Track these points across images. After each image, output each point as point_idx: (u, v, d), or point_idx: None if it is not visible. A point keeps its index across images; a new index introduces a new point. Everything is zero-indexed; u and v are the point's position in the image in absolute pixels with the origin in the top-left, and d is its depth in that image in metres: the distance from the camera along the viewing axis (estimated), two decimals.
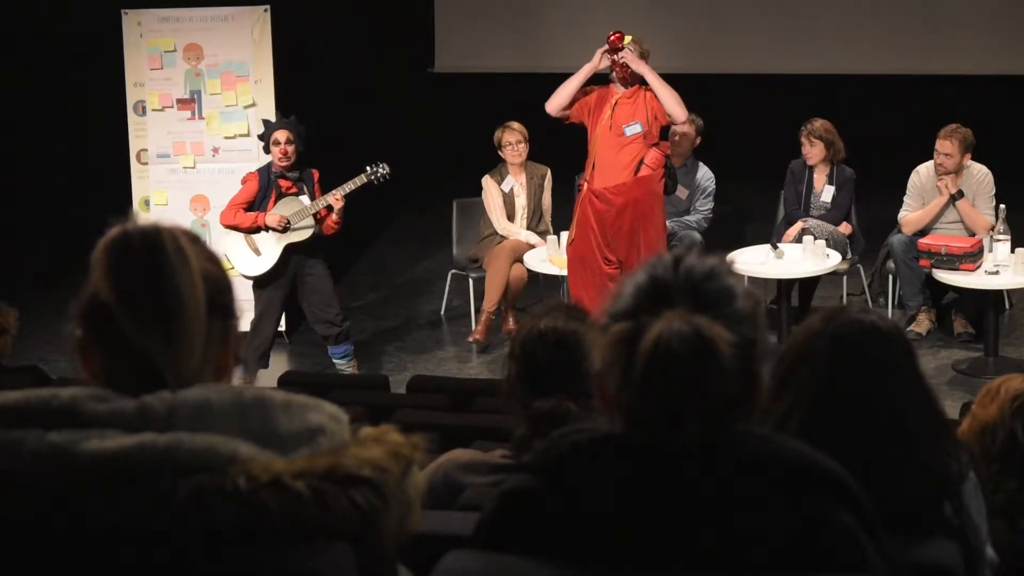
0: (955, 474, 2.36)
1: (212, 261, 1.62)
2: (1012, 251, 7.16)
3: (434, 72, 12.65)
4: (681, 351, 1.56)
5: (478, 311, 8.01)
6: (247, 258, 7.29)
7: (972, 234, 7.54)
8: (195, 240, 1.60)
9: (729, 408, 1.61)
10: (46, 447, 1.44)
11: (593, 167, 7.12)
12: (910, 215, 7.73)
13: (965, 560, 2.29)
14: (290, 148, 7.21)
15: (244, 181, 7.39)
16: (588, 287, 7.13)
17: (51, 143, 10.60)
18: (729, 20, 11.92)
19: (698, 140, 8.30)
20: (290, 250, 7.27)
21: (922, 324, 7.71)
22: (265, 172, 7.31)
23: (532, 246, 7.96)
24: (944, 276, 7.28)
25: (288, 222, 7.20)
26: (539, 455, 1.69)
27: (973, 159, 7.64)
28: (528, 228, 8.09)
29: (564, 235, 7.52)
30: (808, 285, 7.95)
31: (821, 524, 1.61)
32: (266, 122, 7.41)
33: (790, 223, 8.01)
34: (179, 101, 8.29)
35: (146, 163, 8.36)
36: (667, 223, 7.46)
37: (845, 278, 8.18)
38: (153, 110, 8.30)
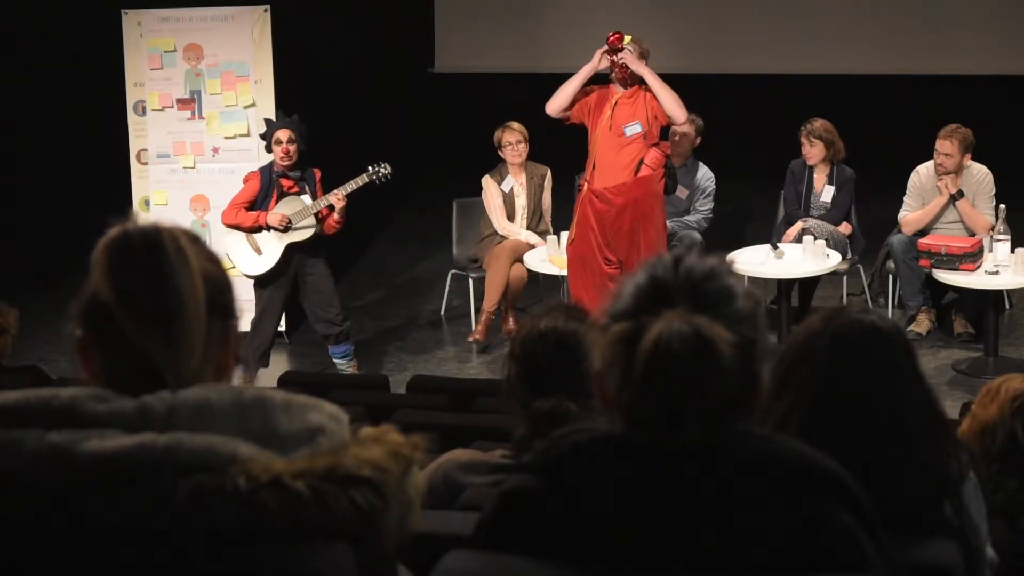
0: (955, 474, 2.36)
1: (212, 261, 1.62)
2: (1012, 251, 7.16)
3: (434, 72, 12.65)
4: (681, 351, 1.56)
5: (478, 311, 8.01)
6: (248, 257, 7.29)
7: (972, 234, 7.54)
8: (195, 240, 1.60)
9: (729, 408, 1.61)
10: (46, 447, 1.44)
11: (593, 167, 7.12)
12: (910, 215, 7.73)
13: (965, 560, 2.29)
14: (292, 147, 7.21)
15: (246, 180, 7.39)
16: (588, 287, 7.13)
17: (51, 143, 10.60)
18: (729, 20, 11.92)
19: (698, 140, 8.30)
20: (291, 249, 7.27)
21: (922, 324, 7.71)
22: (267, 171, 7.31)
23: (532, 246, 7.96)
24: (944, 276, 7.28)
25: (289, 221, 7.20)
26: (539, 455, 1.69)
27: (973, 159, 7.64)
28: (528, 228, 8.09)
29: (564, 235, 7.52)
30: (808, 285, 7.95)
31: (821, 524, 1.61)
32: (268, 121, 7.41)
33: (790, 223, 8.01)
34: (179, 101, 8.29)
35: (146, 163, 8.36)
36: (667, 223, 7.46)
37: (845, 278, 8.18)
38: (153, 110, 8.30)
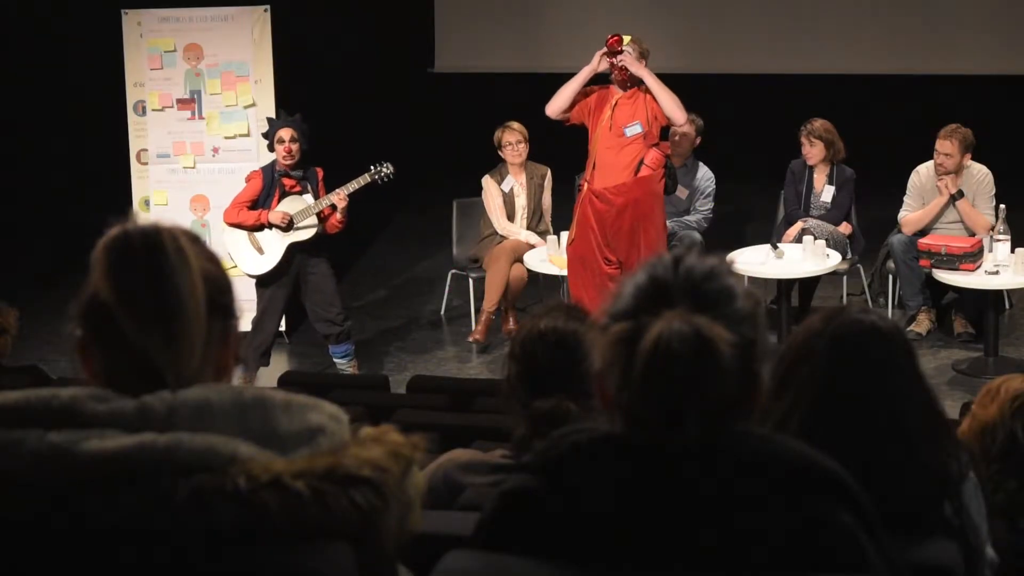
0: (955, 474, 2.36)
1: (212, 261, 1.62)
2: (1012, 251, 7.16)
3: (434, 72, 12.65)
4: (681, 351, 1.56)
5: (478, 311, 8.01)
6: (250, 257, 7.29)
7: (972, 234, 7.54)
8: (195, 240, 1.60)
9: (729, 408, 1.61)
10: (46, 447, 1.44)
11: (593, 167, 7.12)
12: (910, 215, 7.73)
13: (965, 560, 2.29)
14: (294, 147, 7.20)
15: (248, 179, 7.39)
16: (588, 287, 7.13)
17: (51, 143, 10.60)
18: (729, 20, 11.92)
19: (698, 140, 8.30)
20: (293, 249, 7.27)
21: (922, 324, 7.71)
22: (269, 171, 7.31)
23: (532, 246, 7.96)
24: (944, 276, 7.28)
25: (291, 219, 7.21)
26: (539, 455, 1.69)
27: (973, 159, 7.64)
28: (528, 228, 8.09)
29: (564, 235, 7.52)
30: (808, 285, 7.95)
31: (821, 524, 1.61)
32: (270, 120, 7.40)
33: (790, 223, 8.01)
34: (179, 101, 8.29)
35: (146, 163, 8.36)
36: (667, 223, 7.46)
37: (845, 278, 8.18)
38: (153, 110, 8.30)
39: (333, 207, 7.24)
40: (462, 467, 2.92)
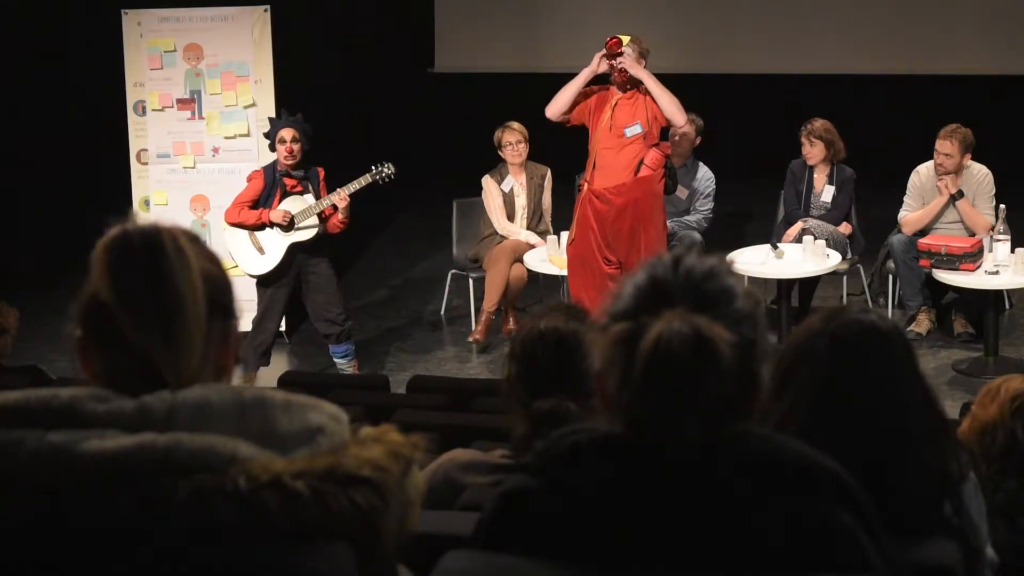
0: (955, 474, 2.36)
1: (212, 261, 1.62)
2: (1012, 251, 7.16)
3: (434, 72, 12.65)
4: (681, 351, 1.56)
5: (478, 311, 8.01)
6: (251, 256, 7.29)
7: (972, 234, 7.54)
8: (195, 240, 1.60)
9: (729, 408, 1.61)
10: (46, 447, 1.44)
11: (593, 167, 7.12)
12: (910, 215, 7.73)
13: (965, 560, 2.29)
14: (296, 147, 7.20)
15: (249, 179, 7.39)
16: (588, 287, 7.13)
17: (51, 143, 10.59)
18: (729, 20, 11.92)
19: (698, 140, 8.30)
20: (294, 249, 7.27)
21: (922, 324, 7.71)
22: (270, 170, 7.31)
23: (532, 246, 7.96)
24: (944, 276, 7.28)
25: (293, 218, 7.21)
26: (539, 455, 1.69)
27: (973, 159, 7.64)
28: (528, 228, 8.09)
29: (564, 235, 7.52)
30: (808, 285, 7.95)
31: (821, 524, 1.61)
32: (272, 120, 7.41)
33: (790, 223, 8.01)
34: (179, 101, 8.29)
35: (146, 163, 8.36)
36: (667, 223, 7.46)
37: (845, 278, 8.18)
38: (153, 110, 8.30)
39: (334, 207, 7.24)
40: (462, 467, 2.92)
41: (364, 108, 11.64)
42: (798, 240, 7.69)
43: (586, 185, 7.18)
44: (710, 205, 8.30)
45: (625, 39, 7.03)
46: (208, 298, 1.57)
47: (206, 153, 8.30)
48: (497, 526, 1.69)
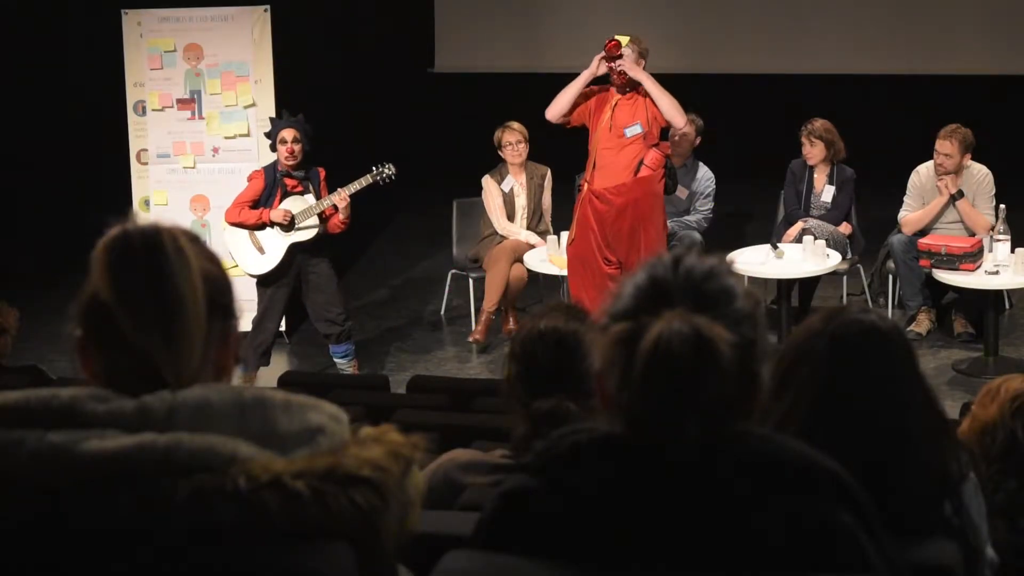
0: (955, 474, 2.36)
1: (212, 261, 1.62)
2: (1012, 251, 7.16)
3: (434, 72, 12.65)
4: (681, 351, 1.56)
5: (478, 311, 8.01)
6: (251, 256, 7.29)
7: (972, 234, 7.54)
8: (195, 240, 1.60)
9: (729, 408, 1.61)
10: (46, 447, 1.44)
11: (593, 167, 7.12)
12: (910, 215, 7.73)
13: (965, 560, 2.29)
14: (297, 147, 7.20)
15: (250, 179, 7.39)
16: (588, 287, 7.13)
17: (51, 143, 10.59)
18: (729, 20, 11.92)
19: (698, 140, 8.30)
20: (294, 249, 7.27)
21: (922, 324, 7.71)
22: (271, 170, 7.31)
23: (532, 246, 7.96)
24: (944, 276, 7.28)
25: (293, 217, 7.21)
26: (539, 455, 1.69)
27: (973, 159, 7.64)
28: (528, 228, 8.09)
29: (564, 235, 7.52)
30: (808, 285, 7.95)
31: (821, 524, 1.61)
32: (273, 120, 7.41)
33: (790, 223, 8.01)
34: (179, 101, 8.29)
35: (146, 163, 8.36)
36: (667, 223, 7.46)
37: (845, 278, 8.18)
38: (153, 110, 8.30)
39: (335, 207, 7.24)
40: (462, 467, 2.92)
41: (364, 108, 11.64)
42: (798, 240, 7.69)
43: (586, 185, 7.18)
44: (710, 205, 8.30)
45: (624, 39, 7.03)
46: (208, 298, 1.57)
47: (206, 153, 8.30)
48: (497, 526, 1.69)
